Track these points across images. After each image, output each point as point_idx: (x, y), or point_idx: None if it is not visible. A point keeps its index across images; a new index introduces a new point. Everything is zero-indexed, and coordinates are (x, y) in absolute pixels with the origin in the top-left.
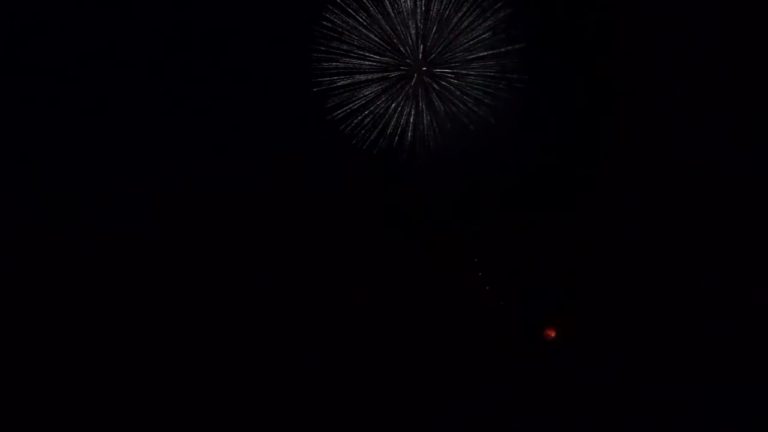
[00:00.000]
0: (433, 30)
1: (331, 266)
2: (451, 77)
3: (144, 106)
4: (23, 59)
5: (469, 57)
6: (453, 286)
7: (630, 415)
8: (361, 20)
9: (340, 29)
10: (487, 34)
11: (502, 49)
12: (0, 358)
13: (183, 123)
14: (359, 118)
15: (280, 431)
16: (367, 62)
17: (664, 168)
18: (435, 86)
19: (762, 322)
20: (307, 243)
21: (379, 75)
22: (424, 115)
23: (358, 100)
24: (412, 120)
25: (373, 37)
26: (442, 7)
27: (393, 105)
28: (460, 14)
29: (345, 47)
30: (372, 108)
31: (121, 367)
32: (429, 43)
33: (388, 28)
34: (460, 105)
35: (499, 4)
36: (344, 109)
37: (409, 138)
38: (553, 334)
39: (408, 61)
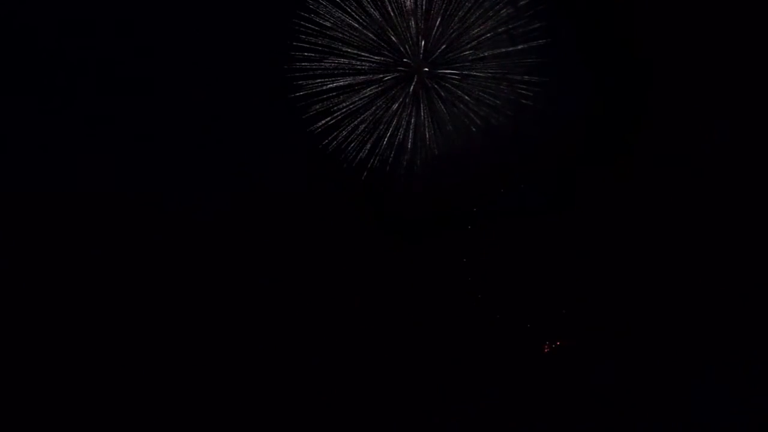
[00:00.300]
0: (436, 25)
1: (331, 266)
2: (456, 79)
3: (117, 113)
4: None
5: (478, 56)
6: (453, 286)
7: (630, 415)
8: (351, 13)
9: (326, 23)
10: (490, 34)
11: (517, 48)
12: None
13: (169, 124)
14: (350, 126)
15: (280, 431)
16: (359, 62)
17: (666, 169)
18: (438, 89)
19: (763, 323)
20: (307, 243)
21: (374, 77)
22: (426, 122)
23: (348, 106)
24: (412, 129)
25: (366, 33)
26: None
27: (390, 111)
28: (466, 7)
29: (333, 45)
30: (365, 115)
31: (118, 367)
32: (431, 40)
33: (383, 22)
34: (462, 107)
35: None
36: (332, 116)
37: (408, 150)
38: (547, 349)
39: (407, 60)
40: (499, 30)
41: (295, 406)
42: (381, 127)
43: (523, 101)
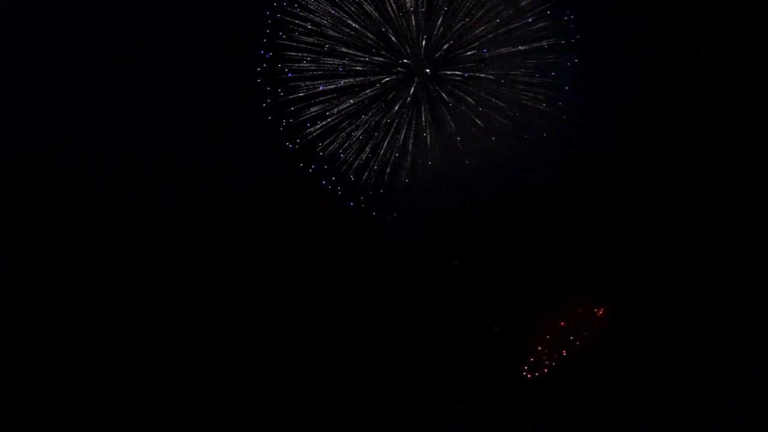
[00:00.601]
0: (437, 24)
1: (331, 267)
2: (458, 81)
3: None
4: None
5: (480, 57)
6: (453, 287)
7: (630, 415)
8: (350, 12)
9: (323, 23)
10: (492, 35)
11: (518, 48)
12: None
13: (168, 124)
14: (350, 128)
15: (280, 431)
16: (357, 63)
17: (665, 169)
18: (439, 90)
19: (763, 323)
20: (307, 244)
21: (373, 78)
22: (427, 124)
23: (348, 108)
24: (413, 131)
25: (364, 32)
26: None
27: (390, 113)
28: (467, 7)
29: (330, 45)
30: (364, 117)
31: (119, 366)
32: (432, 41)
33: (382, 22)
34: (465, 109)
35: None
36: (331, 118)
37: (409, 152)
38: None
39: (407, 61)
40: (500, 31)
41: (296, 406)
42: (381, 130)
43: (524, 102)
